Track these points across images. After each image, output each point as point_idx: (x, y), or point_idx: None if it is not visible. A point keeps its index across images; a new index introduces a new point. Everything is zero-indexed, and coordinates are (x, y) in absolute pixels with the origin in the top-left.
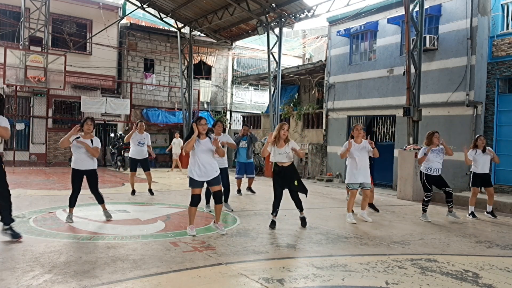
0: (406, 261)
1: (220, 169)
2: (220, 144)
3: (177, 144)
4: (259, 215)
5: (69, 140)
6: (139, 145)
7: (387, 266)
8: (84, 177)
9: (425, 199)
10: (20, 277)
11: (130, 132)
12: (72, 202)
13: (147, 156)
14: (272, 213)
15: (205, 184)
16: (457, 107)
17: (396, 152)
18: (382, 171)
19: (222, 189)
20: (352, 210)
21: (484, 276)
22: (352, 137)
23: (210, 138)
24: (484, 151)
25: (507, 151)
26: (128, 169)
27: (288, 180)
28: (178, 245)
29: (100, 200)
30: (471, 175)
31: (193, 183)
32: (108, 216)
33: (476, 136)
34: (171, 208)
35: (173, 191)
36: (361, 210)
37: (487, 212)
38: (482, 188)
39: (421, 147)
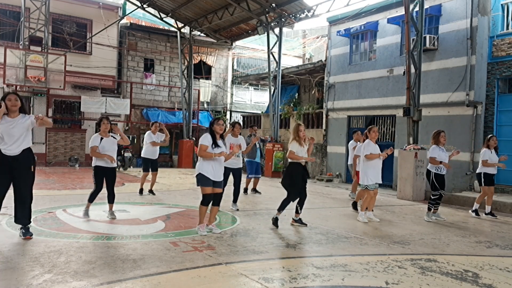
0: (406, 261)
1: (234, 169)
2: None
3: None
4: (259, 215)
5: (96, 146)
6: (154, 146)
7: (387, 266)
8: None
9: (432, 197)
10: (20, 277)
11: (152, 141)
12: (93, 198)
13: (157, 157)
14: (278, 210)
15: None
16: (457, 107)
17: (396, 152)
18: (382, 171)
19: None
20: (356, 208)
21: (484, 276)
22: (366, 137)
23: (223, 138)
24: (496, 150)
25: (507, 151)
26: (128, 169)
27: (305, 178)
28: (178, 245)
29: (112, 199)
30: (482, 175)
31: (205, 181)
32: (112, 216)
33: (489, 136)
34: (171, 208)
35: (173, 191)
36: (367, 211)
37: (486, 214)
38: (478, 187)
39: (421, 147)
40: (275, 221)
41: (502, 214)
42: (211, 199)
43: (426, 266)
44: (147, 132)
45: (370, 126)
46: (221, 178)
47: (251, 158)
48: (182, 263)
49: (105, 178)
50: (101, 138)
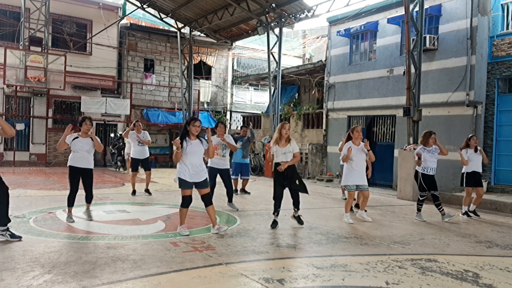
0: (406, 261)
1: (222, 169)
2: (211, 143)
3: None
4: (259, 215)
5: (66, 142)
6: (139, 145)
7: (387, 266)
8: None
9: (420, 199)
10: (20, 277)
11: (128, 129)
12: (71, 202)
13: (148, 156)
14: (273, 213)
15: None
16: (457, 107)
17: (396, 152)
18: (382, 171)
19: (210, 191)
20: (352, 210)
21: (484, 276)
22: (351, 138)
23: (200, 140)
24: (476, 150)
25: (507, 151)
26: (128, 169)
27: (289, 179)
28: (178, 245)
29: (89, 199)
30: (464, 175)
31: (184, 184)
32: (89, 216)
33: (469, 135)
34: (171, 208)
35: (173, 191)
36: (360, 210)
37: (470, 211)
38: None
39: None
40: (273, 224)
41: (502, 214)
42: (191, 201)
43: (427, 266)
44: (130, 133)
45: (353, 126)
46: (202, 178)
47: (233, 160)
48: (182, 263)
49: (81, 180)
50: (76, 138)
